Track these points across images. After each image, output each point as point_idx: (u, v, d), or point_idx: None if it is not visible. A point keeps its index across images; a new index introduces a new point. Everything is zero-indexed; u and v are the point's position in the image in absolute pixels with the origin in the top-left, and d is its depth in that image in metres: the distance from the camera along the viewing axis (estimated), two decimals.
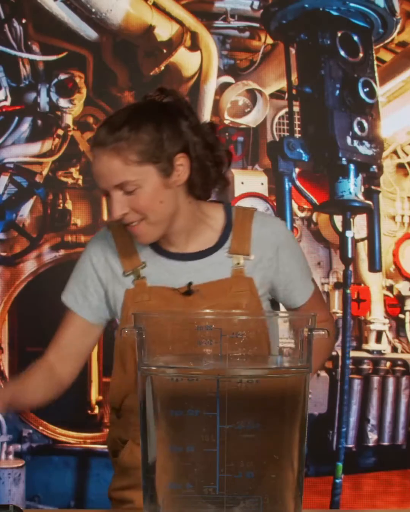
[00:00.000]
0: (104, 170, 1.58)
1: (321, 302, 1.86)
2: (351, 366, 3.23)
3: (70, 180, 3.28)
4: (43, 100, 3.29)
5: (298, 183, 3.24)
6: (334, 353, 3.25)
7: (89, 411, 3.24)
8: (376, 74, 3.30)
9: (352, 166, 3.21)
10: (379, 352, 3.29)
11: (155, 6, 3.26)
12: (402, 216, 3.35)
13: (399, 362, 3.30)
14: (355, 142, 3.22)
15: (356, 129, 3.22)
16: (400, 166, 3.38)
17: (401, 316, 3.32)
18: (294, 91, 3.28)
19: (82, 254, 1.78)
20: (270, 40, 3.34)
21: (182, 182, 1.63)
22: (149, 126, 1.59)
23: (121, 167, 1.57)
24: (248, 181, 3.29)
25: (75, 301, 1.77)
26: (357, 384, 3.26)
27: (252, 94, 3.33)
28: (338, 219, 3.26)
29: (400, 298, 3.31)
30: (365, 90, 3.24)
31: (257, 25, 3.34)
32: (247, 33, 3.36)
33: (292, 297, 1.77)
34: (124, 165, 1.57)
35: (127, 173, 1.57)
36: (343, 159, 3.19)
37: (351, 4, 3.23)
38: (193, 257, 1.70)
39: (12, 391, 1.74)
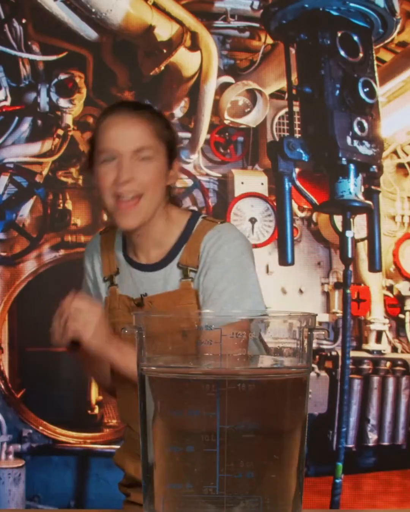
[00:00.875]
0: (127, 132, 1.63)
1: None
2: (351, 366, 3.23)
3: (70, 180, 3.28)
4: (43, 100, 3.29)
5: (298, 183, 3.24)
6: (334, 353, 3.25)
7: (89, 411, 3.24)
8: (376, 74, 3.30)
9: (352, 166, 3.21)
10: (379, 352, 3.29)
11: (155, 6, 3.26)
12: (402, 216, 3.35)
13: (399, 362, 3.30)
14: (355, 142, 3.22)
15: (356, 129, 3.22)
16: (400, 166, 3.38)
17: (401, 316, 3.32)
18: (294, 91, 3.28)
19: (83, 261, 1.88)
20: (270, 40, 3.34)
21: (172, 183, 1.71)
22: (164, 121, 1.70)
23: (145, 131, 1.64)
24: (248, 181, 3.29)
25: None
26: (357, 384, 3.26)
27: (252, 94, 3.33)
28: (338, 219, 3.26)
29: (400, 298, 3.31)
30: (365, 90, 3.24)
31: (257, 25, 3.34)
32: (247, 33, 3.36)
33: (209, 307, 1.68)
34: (148, 130, 1.64)
35: (148, 139, 1.64)
36: (343, 159, 3.19)
37: (351, 4, 3.23)
38: (151, 268, 1.73)
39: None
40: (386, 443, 3.28)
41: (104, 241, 1.80)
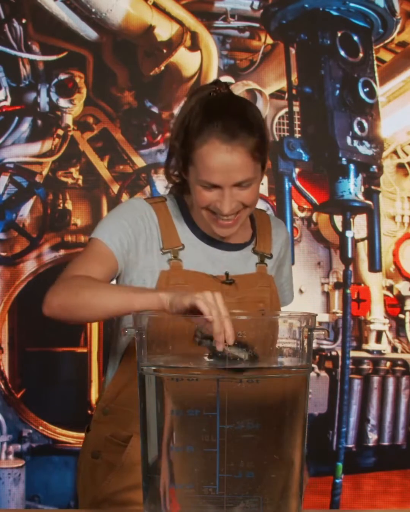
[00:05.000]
0: (235, 164, 1.59)
1: None
2: (351, 366, 3.22)
3: (70, 180, 3.28)
4: (43, 100, 3.29)
5: (298, 183, 3.24)
6: (334, 353, 3.25)
7: (89, 411, 3.24)
8: (376, 74, 3.30)
9: (352, 166, 3.21)
10: (379, 352, 3.29)
11: (155, 6, 3.26)
12: (402, 216, 3.34)
13: (399, 362, 3.30)
14: (355, 142, 3.22)
15: (356, 129, 3.22)
16: (400, 166, 3.38)
17: (401, 316, 3.32)
18: (294, 91, 3.28)
19: (127, 205, 1.71)
20: (270, 40, 3.33)
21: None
22: (262, 132, 1.66)
23: (249, 164, 1.60)
24: None
25: (113, 241, 1.65)
26: (357, 384, 3.26)
27: (252, 94, 3.32)
28: (338, 219, 3.26)
29: (400, 298, 3.31)
30: (365, 90, 3.24)
31: (257, 25, 3.33)
32: (247, 33, 3.36)
33: (281, 297, 1.83)
34: (251, 161, 1.61)
35: (251, 170, 1.61)
36: (343, 159, 3.19)
37: (351, 4, 3.23)
38: (230, 247, 1.74)
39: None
40: (386, 443, 3.28)
41: (160, 212, 1.71)
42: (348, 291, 3.23)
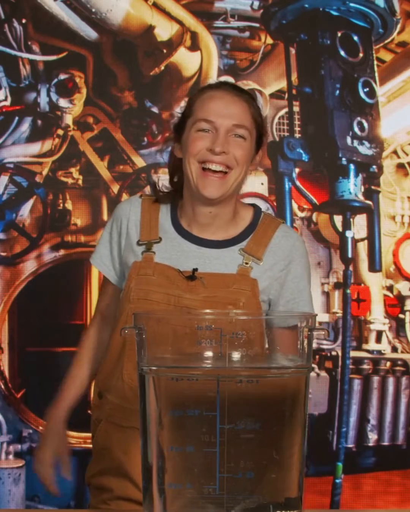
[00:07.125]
0: (229, 108, 1.70)
1: None
2: (351, 366, 3.23)
3: (70, 180, 3.28)
4: (43, 100, 3.29)
5: (298, 183, 3.24)
6: (334, 353, 3.25)
7: (89, 411, 3.23)
8: (376, 74, 3.30)
9: (352, 166, 3.21)
10: (379, 352, 3.29)
11: (155, 6, 3.26)
12: (402, 216, 3.35)
13: (399, 362, 3.30)
14: (355, 142, 3.22)
15: (356, 129, 3.22)
16: (400, 166, 3.38)
17: (401, 316, 3.32)
18: (294, 91, 3.28)
19: (113, 213, 1.85)
20: (270, 40, 3.34)
21: (253, 169, 1.79)
22: (258, 109, 1.77)
23: (244, 112, 1.71)
24: (248, 181, 3.26)
25: (104, 263, 1.83)
26: (357, 384, 3.26)
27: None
28: (338, 219, 3.26)
29: (400, 298, 3.31)
30: (365, 90, 3.24)
31: (257, 25, 3.33)
32: (247, 33, 3.36)
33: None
34: (246, 111, 1.71)
35: (246, 119, 1.70)
36: (343, 159, 3.20)
37: (351, 4, 3.23)
38: (208, 244, 1.74)
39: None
40: (386, 443, 3.28)
41: (146, 206, 1.79)
42: (348, 291, 3.23)
